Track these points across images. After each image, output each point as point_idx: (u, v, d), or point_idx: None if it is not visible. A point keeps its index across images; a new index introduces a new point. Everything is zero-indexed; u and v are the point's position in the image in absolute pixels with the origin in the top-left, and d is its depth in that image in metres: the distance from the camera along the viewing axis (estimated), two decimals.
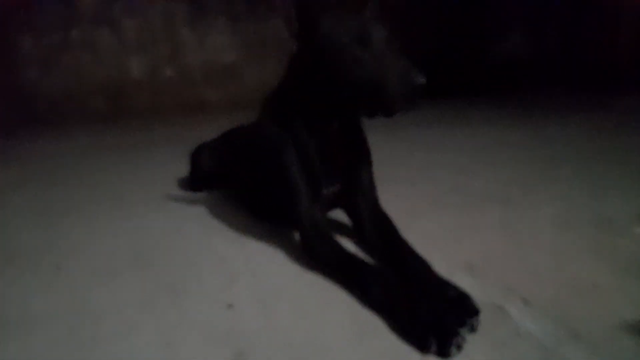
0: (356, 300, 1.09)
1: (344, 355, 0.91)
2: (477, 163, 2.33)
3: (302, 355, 0.91)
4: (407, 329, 0.96)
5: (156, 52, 4.49)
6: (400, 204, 1.73)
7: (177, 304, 1.11)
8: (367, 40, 1.22)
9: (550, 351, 0.89)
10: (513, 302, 1.06)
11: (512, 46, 5.32)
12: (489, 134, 3.04)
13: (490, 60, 5.30)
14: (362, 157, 1.45)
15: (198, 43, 4.57)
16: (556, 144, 2.70)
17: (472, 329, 0.95)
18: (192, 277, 1.23)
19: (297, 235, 1.41)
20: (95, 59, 4.29)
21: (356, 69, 1.21)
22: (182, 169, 2.09)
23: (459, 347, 0.89)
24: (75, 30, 4.20)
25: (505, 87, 5.00)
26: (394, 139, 2.86)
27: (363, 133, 1.47)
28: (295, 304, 1.09)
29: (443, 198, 1.81)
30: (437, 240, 1.42)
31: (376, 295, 1.06)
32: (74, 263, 1.33)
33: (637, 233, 1.42)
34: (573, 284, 1.15)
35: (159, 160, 2.26)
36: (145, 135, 3.34)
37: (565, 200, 1.74)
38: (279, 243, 1.42)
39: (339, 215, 1.54)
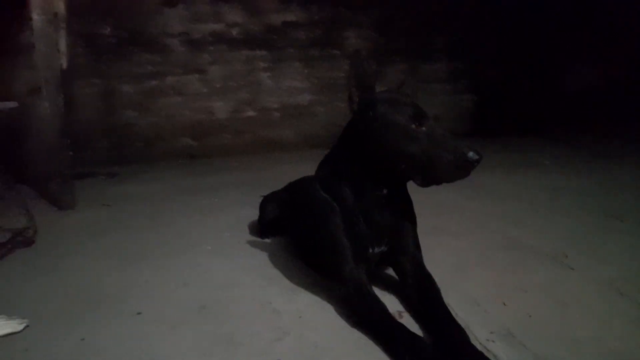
0: None
1: None
2: (534, 213, 2.28)
3: None
4: None
5: (238, 95, 4.78)
6: (446, 259, 1.77)
7: (231, 356, 1.21)
8: (421, 118, 1.31)
9: None
10: None
11: (581, 78, 5.08)
12: (553, 179, 2.93)
13: (559, 93, 5.09)
14: (407, 220, 1.51)
15: (276, 86, 4.81)
16: (627, 192, 2.56)
17: None
18: (247, 330, 1.34)
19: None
20: (184, 102, 4.64)
21: (412, 146, 1.31)
22: (253, 214, 2.22)
23: None
24: (169, 77, 4.58)
25: (576, 123, 4.77)
26: (448, 185, 2.84)
27: (409, 197, 1.54)
28: None
29: (491, 253, 1.81)
30: (479, 302, 1.44)
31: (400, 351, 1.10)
32: (151, 310, 1.47)
33: None
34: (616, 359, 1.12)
35: (233, 204, 2.41)
36: (224, 176, 3.56)
37: (623, 261, 1.67)
38: (330, 298, 1.49)
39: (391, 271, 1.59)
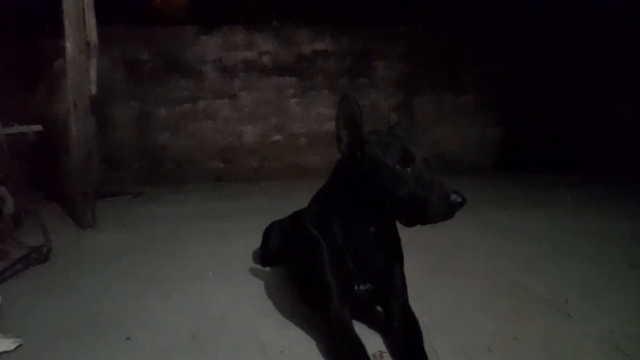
0: None
1: None
2: (545, 256, 2.19)
3: None
4: None
5: (267, 121, 4.87)
6: (442, 301, 1.73)
7: None
8: (409, 161, 1.31)
9: None
10: None
11: (618, 115, 4.91)
12: (575, 219, 2.82)
13: (591, 129, 4.92)
14: (395, 260, 1.50)
15: (304, 113, 4.88)
16: None
17: None
18: None
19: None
20: (215, 126, 4.77)
21: (399, 187, 1.30)
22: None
23: None
24: (201, 102, 4.72)
25: (609, 160, 4.59)
26: (463, 221, 2.76)
27: (397, 236, 1.52)
28: None
29: (490, 297, 1.75)
30: (467, 349, 1.39)
31: None
32: (142, 336, 1.50)
33: None
34: None
35: (248, 231, 2.41)
36: (245, 201, 3.62)
37: (628, 314, 1.58)
38: (317, 333, 1.48)
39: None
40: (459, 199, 1.24)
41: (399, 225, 1.44)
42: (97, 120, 4.56)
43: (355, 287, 1.44)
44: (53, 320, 1.61)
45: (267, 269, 2.06)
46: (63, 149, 2.81)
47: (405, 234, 2.25)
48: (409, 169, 1.32)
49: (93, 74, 2.67)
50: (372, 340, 1.43)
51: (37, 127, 2.24)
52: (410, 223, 1.35)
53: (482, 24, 4.88)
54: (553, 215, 2.90)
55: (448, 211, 1.26)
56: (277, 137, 4.93)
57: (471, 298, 1.75)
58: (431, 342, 1.42)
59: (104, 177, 4.54)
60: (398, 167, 1.32)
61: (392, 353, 1.37)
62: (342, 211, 1.44)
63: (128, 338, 1.48)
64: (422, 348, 1.29)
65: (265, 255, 2.08)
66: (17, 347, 1.41)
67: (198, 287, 1.90)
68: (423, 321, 1.54)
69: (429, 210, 1.27)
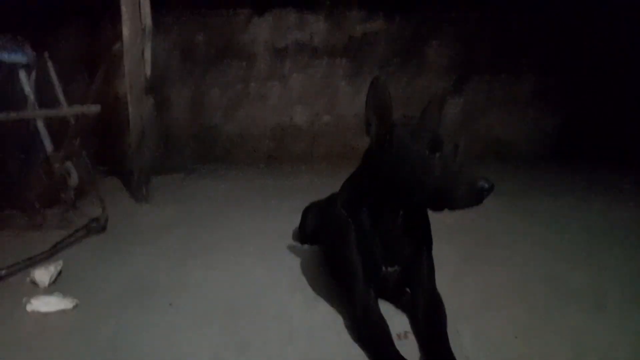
0: None
1: None
2: (590, 248, 2.13)
3: None
4: None
5: (316, 103, 4.92)
6: (475, 289, 1.73)
7: (238, 356, 1.30)
8: (437, 147, 1.32)
9: None
10: None
11: None
12: (627, 212, 2.69)
13: None
14: (422, 243, 1.52)
15: (353, 95, 4.88)
16: None
17: None
18: (261, 334, 1.42)
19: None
20: (266, 107, 4.87)
21: (426, 173, 1.31)
22: None
23: None
24: (253, 84, 4.83)
25: None
26: (506, 208, 2.71)
27: (427, 220, 1.54)
28: None
29: (524, 288, 1.74)
30: (491, 337, 1.40)
31: None
32: (183, 303, 1.62)
33: None
34: None
35: (291, 209, 2.47)
36: (292, 181, 3.70)
37: None
38: (344, 311, 1.53)
39: None
40: (487, 185, 1.23)
41: (432, 212, 1.45)
42: (155, 101, 4.79)
43: (383, 269, 1.48)
44: (106, 285, 1.76)
45: (305, 247, 2.13)
46: (122, 128, 2.99)
47: (444, 220, 2.26)
48: (437, 155, 1.32)
49: (148, 57, 2.80)
50: (398, 320, 1.48)
51: (96, 108, 2.40)
52: (437, 208, 1.37)
53: (541, 10, 4.66)
54: (603, 207, 2.77)
55: (475, 197, 1.25)
56: (326, 119, 4.97)
57: (504, 286, 1.75)
58: (456, 326, 1.44)
59: (161, 155, 4.78)
60: (426, 152, 1.32)
61: (416, 333, 1.41)
62: (372, 195, 1.48)
63: (170, 304, 1.61)
64: (445, 331, 1.32)
65: (302, 234, 2.15)
66: (74, 307, 1.56)
67: (238, 260, 2.00)
68: (452, 306, 1.56)
69: (455, 196, 1.27)
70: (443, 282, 1.71)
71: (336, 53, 4.87)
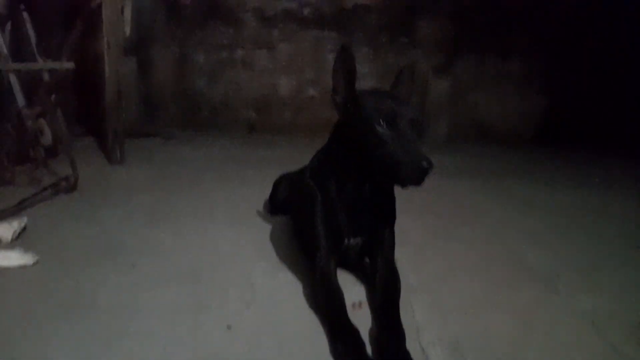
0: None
1: None
2: (554, 231, 2.20)
3: None
4: None
5: (303, 74, 4.90)
6: (437, 263, 1.79)
7: (198, 318, 1.34)
8: (393, 121, 1.33)
9: None
10: None
11: None
12: (597, 198, 2.76)
13: None
14: (385, 217, 1.55)
15: None
16: None
17: None
18: (220, 298, 1.46)
19: None
20: (251, 76, 4.84)
21: (379, 146, 1.33)
22: None
23: None
24: (240, 51, 4.78)
25: None
26: (484, 189, 2.78)
27: (392, 194, 1.57)
28: (283, 342, 1.24)
29: (485, 266, 1.79)
30: (445, 310, 1.45)
31: (339, 355, 1.17)
32: (147, 265, 1.64)
33: None
34: None
35: (266, 179, 2.43)
36: (272, 151, 3.72)
37: (617, 296, 1.59)
38: (306, 280, 1.57)
39: None
40: (426, 165, 1.24)
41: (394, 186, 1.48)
42: (138, 60, 4.73)
43: (345, 241, 1.52)
44: (70, 243, 1.78)
45: (275, 217, 2.16)
46: (101, 88, 2.96)
47: (414, 197, 2.31)
48: (391, 129, 1.33)
49: (127, 14, 2.77)
50: (356, 290, 1.52)
51: (70, 65, 2.38)
52: (387, 183, 1.43)
53: None
54: (576, 192, 2.85)
55: (417, 176, 1.27)
56: (312, 92, 4.95)
57: (465, 264, 1.80)
58: (411, 299, 1.49)
59: (141, 117, 4.75)
60: (382, 125, 1.33)
61: (370, 304, 1.45)
62: (338, 167, 1.50)
63: (133, 265, 1.63)
64: (396, 303, 1.36)
65: (272, 204, 2.18)
66: (35, 263, 1.58)
67: (206, 227, 2.03)
68: (410, 280, 1.62)
69: (400, 173, 1.29)
70: (405, 256, 1.77)
71: (325, 24, 4.82)
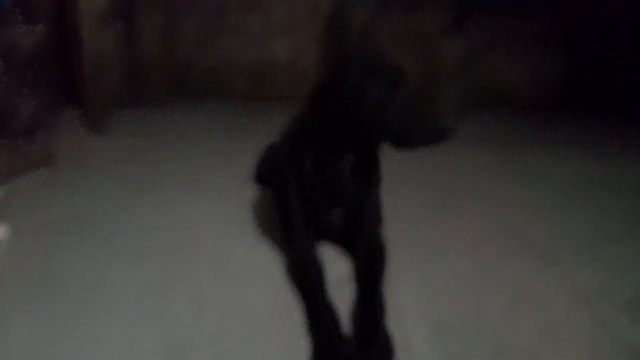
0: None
1: None
2: (559, 205, 2.16)
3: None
4: None
5: (300, 40, 4.81)
6: (428, 238, 1.78)
7: (166, 295, 1.36)
8: (397, 81, 1.32)
9: None
10: None
11: None
12: (611, 169, 2.69)
13: None
14: (370, 189, 1.54)
15: None
16: None
17: None
18: (192, 274, 1.47)
19: None
20: (244, 42, 4.75)
21: (385, 109, 1.30)
22: None
23: None
24: (229, 17, 4.70)
25: None
26: (490, 160, 2.75)
27: (377, 164, 1.55)
28: (254, 321, 1.26)
29: (480, 240, 1.79)
30: (432, 289, 1.46)
31: (313, 333, 1.18)
32: (121, 238, 1.67)
33: None
34: None
35: (258, 150, 2.40)
36: (267, 122, 3.64)
37: (615, 273, 1.58)
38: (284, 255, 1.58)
39: None
40: (449, 126, 1.27)
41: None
42: (123, 27, 4.67)
43: (323, 214, 1.51)
44: (44, 216, 1.80)
45: (262, 190, 2.15)
46: (80, 56, 2.94)
47: (414, 167, 2.29)
48: (397, 90, 1.32)
49: None
50: (339, 267, 1.52)
51: (40, 27, 2.36)
52: (397, 147, 1.38)
53: None
54: (589, 163, 2.77)
55: (436, 137, 1.29)
56: (309, 57, 4.88)
57: (458, 238, 1.79)
58: (398, 278, 1.49)
59: (127, 87, 4.71)
60: (386, 87, 1.32)
61: (355, 280, 1.45)
62: (317, 135, 1.49)
63: (109, 240, 1.65)
64: (379, 278, 1.37)
65: (257, 176, 2.17)
66: (6, 236, 1.60)
67: (189, 198, 2.04)
68: (399, 255, 1.62)
69: (416, 134, 1.30)
70: (397, 230, 1.77)
71: None
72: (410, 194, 2.20)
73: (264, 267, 1.53)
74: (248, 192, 2.15)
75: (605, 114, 4.17)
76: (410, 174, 2.44)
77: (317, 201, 1.50)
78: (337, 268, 1.50)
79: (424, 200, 2.14)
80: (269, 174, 2.05)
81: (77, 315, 1.25)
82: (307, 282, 1.34)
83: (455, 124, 1.29)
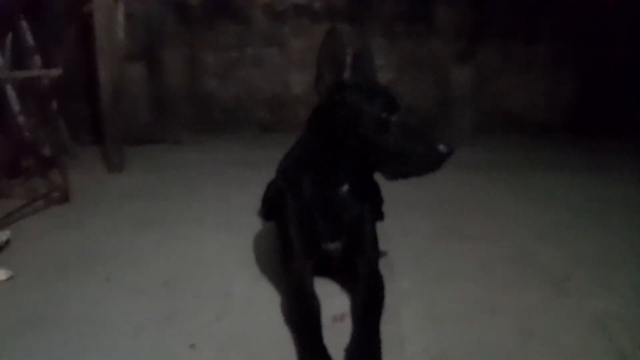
0: None
1: None
2: (572, 227, 2.04)
3: None
4: None
5: (316, 71, 4.82)
6: (436, 265, 1.69)
7: (163, 333, 1.28)
8: (392, 107, 1.28)
9: None
10: None
11: None
12: (623, 191, 2.54)
13: None
14: (368, 217, 1.47)
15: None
16: None
17: None
18: (192, 308, 1.40)
19: None
20: (263, 74, 4.79)
21: (382, 135, 1.28)
22: None
23: None
24: (249, 49, 4.76)
25: None
26: (500, 182, 2.64)
27: (375, 191, 1.49)
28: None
29: (490, 265, 1.67)
30: (439, 316, 1.36)
31: None
32: (121, 277, 1.60)
33: None
34: None
35: (267, 181, 2.43)
36: (282, 152, 3.65)
37: (632, 296, 1.45)
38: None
39: None
40: (447, 149, 1.21)
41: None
42: (148, 64, 4.77)
43: (323, 245, 1.43)
44: (50, 256, 1.76)
45: (268, 222, 2.09)
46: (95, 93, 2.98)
47: (426, 193, 2.21)
48: (394, 117, 1.28)
49: (120, 18, 2.77)
50: (339, 302, 1.43)
51: (57, 72, 2.38)
52: (393, 175, 1.34)
53: None
54: (602, 186, 2.62)
55: (435, 162, 1.23)
56: None
57: (468, 264, 1.69)
58: (400, 306, 1.39)
59: (152, 122, 4.78)
60: (381, 113, 1.28)
61: (352, 315, 1.36)
62: (315, 163, 1.43)
63: (108, 278, 1.60)
64: (375, 313, 1.27)
65: (263, 208, 2.11)
66: (8, 278, 1.57)
67: (193, 232, 1.99)
68: (403, 284, 1.53)
69: (414, 161, 1.25)
70: (404, 254, 1.72)
71: (337, 17, 4.73)
72: (419, 218, 2.11)
73: (265, 301, 1.45)
74: (254, 224, 2.09)
75: (618, 137, 4.01)
76: (420, 197, 2.35)
77: (316, 230, 1.42)
78: (335, 303, 1.41)
79: (433, 224, 2.05)
80: (271, 202, 1.99)
81: (68, 355, 1.19)
82: (304, 320, 1.25)
83: (451, 149, 1.23)
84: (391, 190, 1.86)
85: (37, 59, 2.78)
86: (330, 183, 1.42)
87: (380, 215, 1.86)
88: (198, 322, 1.34)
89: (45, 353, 1.19)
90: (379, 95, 1.33)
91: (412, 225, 2.04)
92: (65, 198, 2.34)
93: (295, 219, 1.43)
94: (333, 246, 1.44)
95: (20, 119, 2.62)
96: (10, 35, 2.75)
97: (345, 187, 1.42)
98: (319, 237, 1.43)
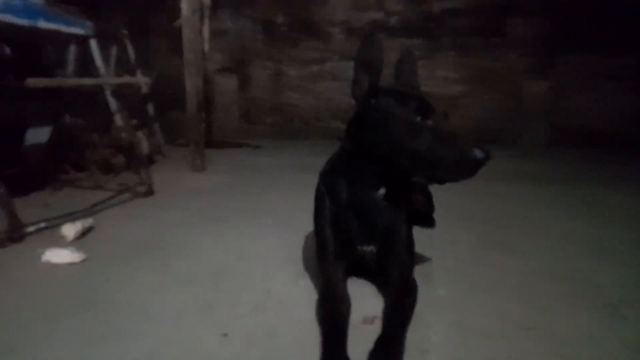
0: None
1: None
2: (632, 246, 1.77)
3: None
4: None
5: (390, 83, 4.71)
6: (478, 278, 1.54)
7: (198, 321, 1.27)
8: (426, 113, 1.19)
9: None
10: None
11: None
12: None
13: None
14: (402, 222, 1.36)
15: (428, 75, 4.58)
16: None
17: None
18: (232, 300, 1.37)
19: None
20: (340, 87, 4.78)
21: (416, 140, 1.19)
22: None
23: None
24: (328, 63, 4.76)
25: None
26: (557, 197, 2.39)
27: (409, 197, 1.38)
28: (271, 352, 1.13)
29: (536, 283, 1.49)
30: (470, 332, 1.22)
31: None
32: (177, 266, 1.62)
33: None
34: None
35: None
36: None
37: None
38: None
39: None
40: (482, 155, 1.09)
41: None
42: (238, 78, 4.95)
43: (358, 247, 1.35)
44: (119, 244, 1.81)
45: None
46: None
47: (478, 205, 2.06)
48: (428, 122, 1.18)
49: (206, 32, 2.86)
50: (372, 304, 1.34)
51: (147, 80, 2.50)
52: (427, 181, 1.26)
53: None
54: None
55: (470, 168, 1.12)
56: None
57: (510, 278, 1.51)
58: (429, 314, 1.27)
59: (241, 129, 4.95)
60: (415, 118, 1.19)
61: (382, 319, 1.26)
62: (351, 167, 1.35)
63: (167, 266, 1.62)
64: (403, 319, 1.16)
65: None
66: (82, 261, 1.64)
67: (251, 230, 1.99)
68: (438, 293, 1.40)
69: (448, 166, 1.14)
70: (445, 263, 1.60)
71: (412, 32, 4.61)
72: (468, 229, 1.96)
73: (302, 298, 1.39)
74: (308, 227, 2.04)
75: None
76: (472, 208, 2.18)
77: (351, 233, 1.34)
78: (368, 305, 1.32)
79: (482, 236, 1.89)
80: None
81: (103, 336, 1.18)
82: (332, 322, 1.17)
83: (487, 155, 1.10)
84: (444, 200, 1.75)
85: (136, 70, 2.96)
86: (365, 187, 1.33)
87: (431, 223, 1.73)
88: (234, 313, 1.31)
89: (89, 334, 1.20)
90: (413, 99, 1.23)
91: (460, 235, 1.89)
92: (150, 192, 2.44)
93: (331, 220, 1.36)
94: (368, 249, 1.35)
95: (118, 120, 2.78)
96: (115, 49, 2.95)
97: (381, 192, 1.32)
98: (354, 239, 1.34)
